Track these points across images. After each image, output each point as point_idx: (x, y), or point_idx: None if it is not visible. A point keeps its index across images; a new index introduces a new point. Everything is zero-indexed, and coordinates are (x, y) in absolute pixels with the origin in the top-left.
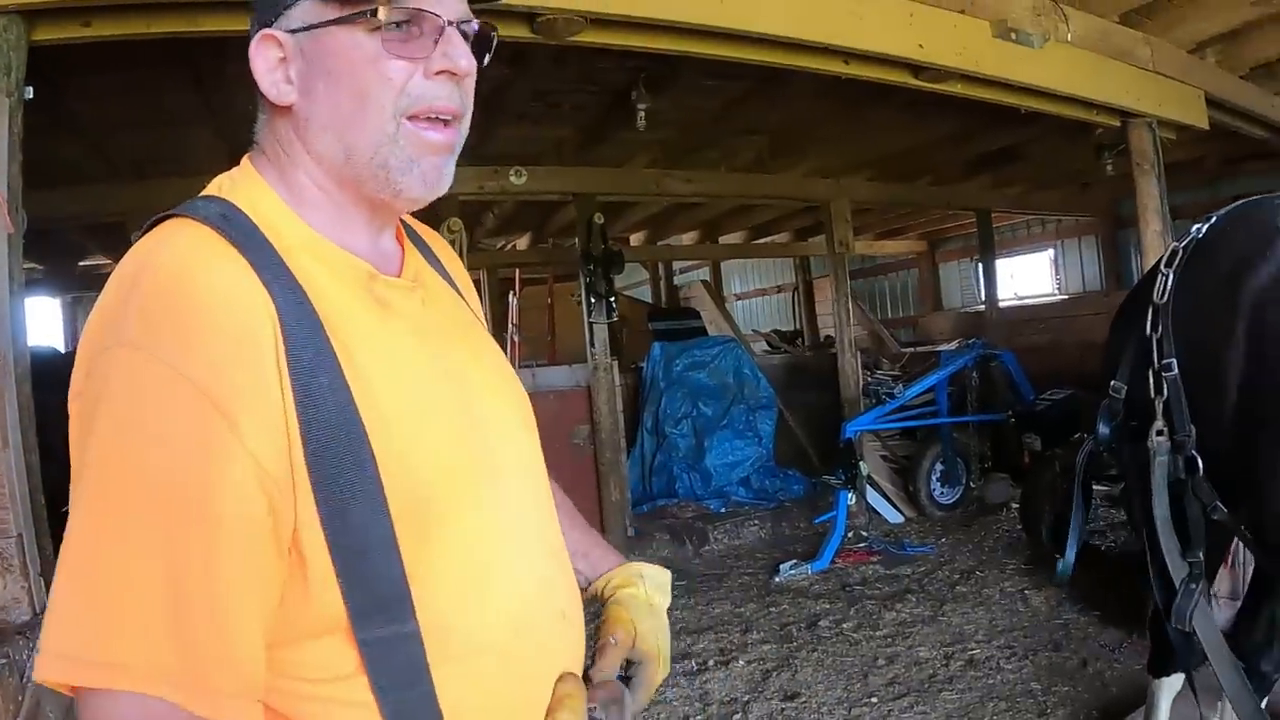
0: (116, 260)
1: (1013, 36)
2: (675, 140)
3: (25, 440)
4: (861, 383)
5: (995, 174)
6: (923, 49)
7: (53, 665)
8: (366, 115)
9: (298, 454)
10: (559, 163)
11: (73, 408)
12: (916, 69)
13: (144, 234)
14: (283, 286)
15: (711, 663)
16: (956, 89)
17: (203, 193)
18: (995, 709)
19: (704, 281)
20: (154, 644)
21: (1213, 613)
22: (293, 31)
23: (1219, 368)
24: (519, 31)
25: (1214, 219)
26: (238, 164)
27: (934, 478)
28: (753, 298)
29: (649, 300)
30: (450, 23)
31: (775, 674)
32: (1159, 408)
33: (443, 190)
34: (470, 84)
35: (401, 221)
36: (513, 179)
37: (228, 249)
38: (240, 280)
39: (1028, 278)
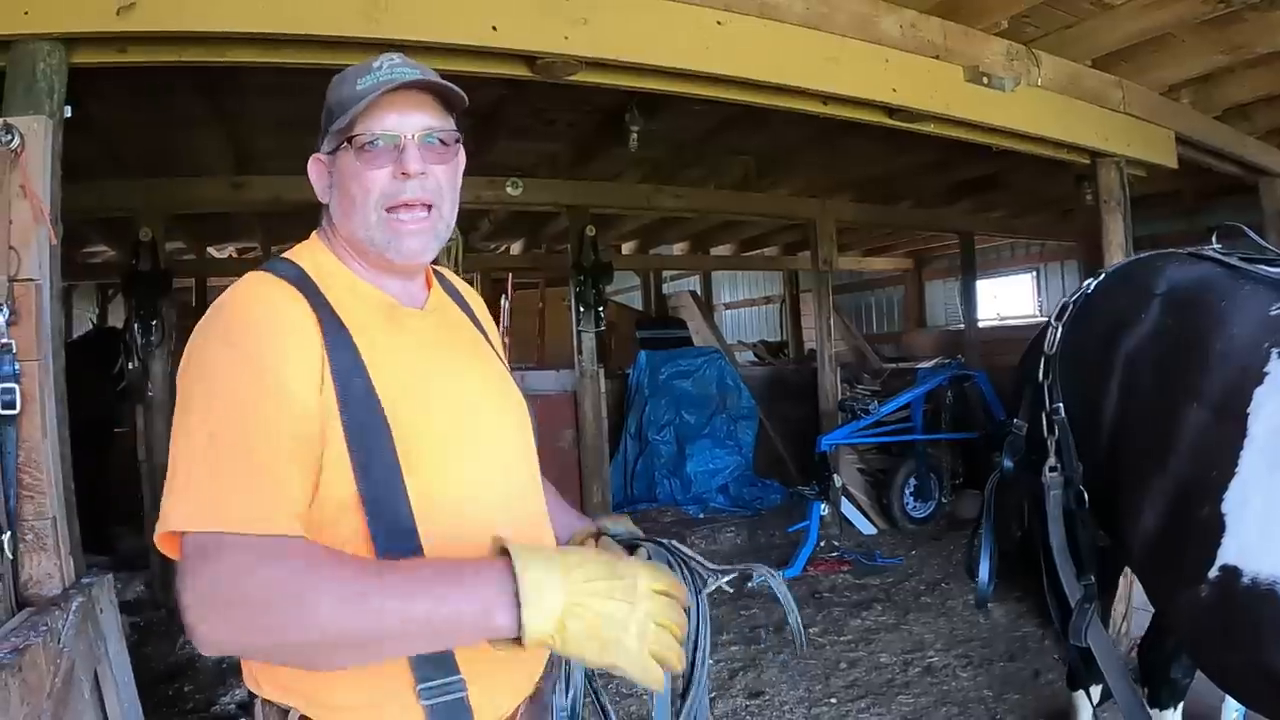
0: (118, 250)
1: (985, 81)
2: (665, 158)
3: (60, 432)
4: (840, 397)
5: (977, 199)
6: (896, 93)
7: (164, 523)
8: (356, 210)
9: (335, 425)
10: (553, 175)
11: (179, 380)
12: (891, 110)
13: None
14: (328, 320)
15: None
16: (930, 128)
17: (283, 255)
18: (948, 713)
19: (691, 292)
20: (239, 501)
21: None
22: (327, 154)
23: (1096, 415)
24: (519, 71)
25: (1102, 276)
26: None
27: (907, 492)
28: (742, 308)
29: (639, 307)
30: (410, 137)
31: (742, 673)
32: (1051, 446)
33: (425, 259)
34: (438, 175)
35: (440, 277)
36: (509, 189)
37: (295, 293)
38: (295, 307)
39: (1011, 299)
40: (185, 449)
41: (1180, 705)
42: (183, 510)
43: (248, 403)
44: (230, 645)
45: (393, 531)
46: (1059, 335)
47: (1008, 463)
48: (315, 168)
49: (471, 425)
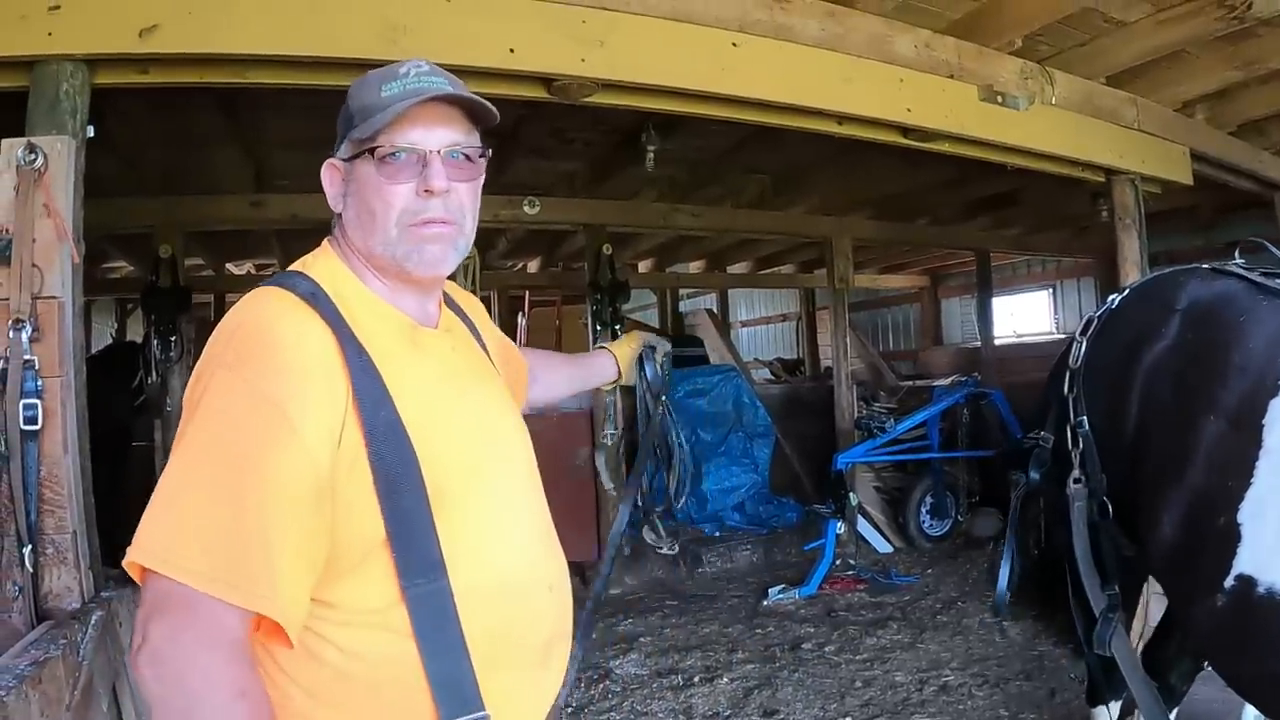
0: (138, 266)
1: (999, 100)
2: (682, 177)
3: (80, 446)
4: (856, 415)
5: (993, 216)
6: (911, 112)
7: (136, 554)
8: (375, 223)
9: (361, 459)
10: (571, 194)
11: (188, 397)
12: (906, 130)
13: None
14: (350, 344)
15: (697, 679)
16: (944, 147)
17: (292, 267)
18: None
19: (708, 310)
20: (212, 553)
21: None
22: (343, 160)
23: (1118, 427)
24: (536, 92)
25: (1126, 291)
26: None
27: (924, 510)
28: (758, 325)
29: (655, 325)
30: (435, 151)
31: (757, 692)
32: (1076, 458)
33: (446, 271)
34: (460, 193)
35: (445, 293)
36: (526, 208)
37: (312, 314)
38: (318, 335)
39: (1027, 316)
40: (183, 484)
41: (1175, 711)
42: (167, 555)
43: (259, 455)
44: (148, 696)
45: (420, 566)
46: (1083, 350)
47: (1034, 475)
48: (330, 174)
49: (490, 453)
